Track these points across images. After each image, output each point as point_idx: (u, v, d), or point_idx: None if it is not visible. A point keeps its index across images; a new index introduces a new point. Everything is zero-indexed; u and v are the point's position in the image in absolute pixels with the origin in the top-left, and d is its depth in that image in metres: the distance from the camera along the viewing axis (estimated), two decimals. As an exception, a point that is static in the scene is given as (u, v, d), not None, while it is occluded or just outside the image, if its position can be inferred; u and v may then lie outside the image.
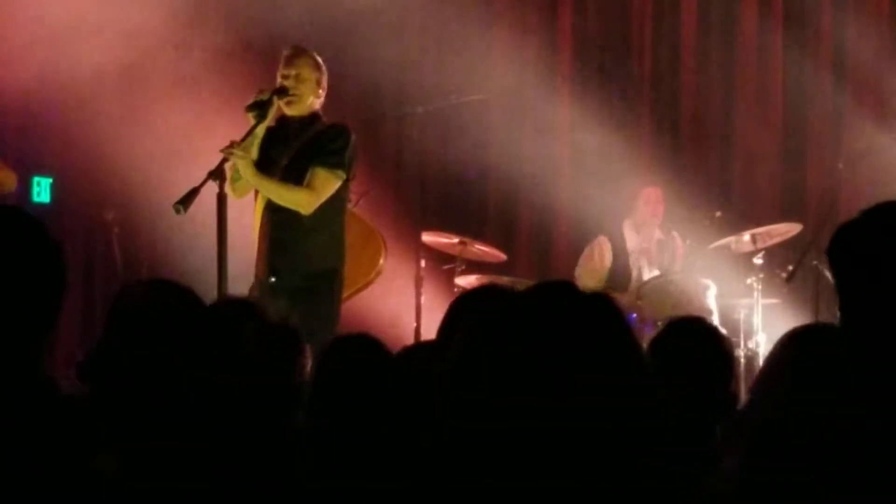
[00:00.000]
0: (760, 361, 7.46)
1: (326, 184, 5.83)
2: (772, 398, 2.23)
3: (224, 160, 5.45)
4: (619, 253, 8.14)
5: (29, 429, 1.93)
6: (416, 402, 2.61)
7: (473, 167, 8.95)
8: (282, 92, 5.82)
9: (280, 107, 5.86)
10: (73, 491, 1.93)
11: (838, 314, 2.17)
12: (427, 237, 7.64)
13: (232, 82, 7.61)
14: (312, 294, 5.76)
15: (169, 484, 2.37)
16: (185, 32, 8.08)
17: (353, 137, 5.93)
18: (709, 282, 7.63)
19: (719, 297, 7.65)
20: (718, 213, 8.15)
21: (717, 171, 9.16)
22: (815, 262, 7.24)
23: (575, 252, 8.60)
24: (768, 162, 9.15)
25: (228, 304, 3.91)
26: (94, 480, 1.97)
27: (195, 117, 7.82)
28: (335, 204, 5.91)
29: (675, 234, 8.26)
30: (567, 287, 1.60)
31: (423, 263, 7.26)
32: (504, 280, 7.43)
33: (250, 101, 5.76)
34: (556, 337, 1.52)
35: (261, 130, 5.78)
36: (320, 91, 5.93)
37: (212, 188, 5.32)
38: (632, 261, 8.11)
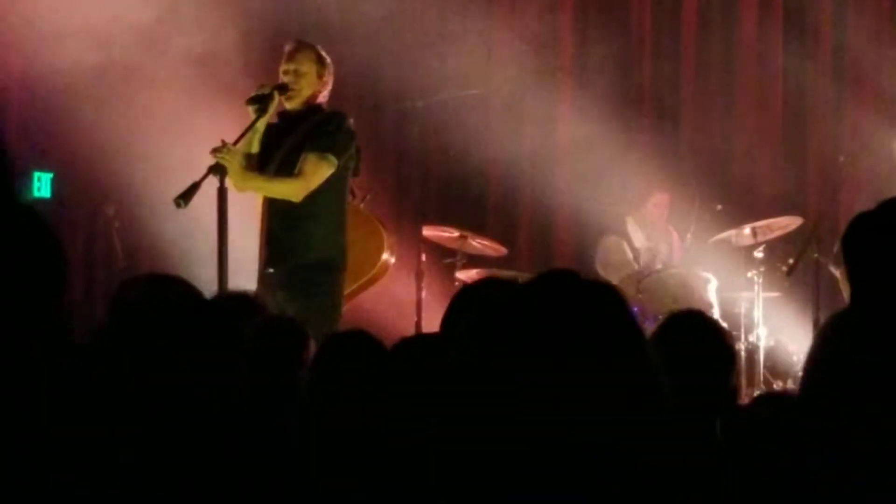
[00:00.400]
0: (761, 355, 7.47)
1: (317, 169, 5.72)
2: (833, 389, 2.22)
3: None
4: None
5: (31, 426, 1.93)
6: (411, 397, 2.60)
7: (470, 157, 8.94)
8: (282, 88, 5.80)
9: (281, 101, 5.85)
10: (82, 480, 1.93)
11: (840, 307, 2.19)
12: (428, 231, 7.64)
13: (233, 75, 7.61)
14: (309, 285, 5.69)
15: (166, 480, 2.36)
16: (187, 27, 8.06)
17: (349, 122, 5.85)
18: (709, 275, 7.63)
19: (720, 290, 7.66)
20: (719, 207, 8.16)
21: (718, 165, 9.15)
22: (815, 256, 7.23)
23: (575, 245, 8.61)
24: (769, 155, 9.15)
25: (229, 298, 3.92)
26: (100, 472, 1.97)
27: (197, 111, 7.81)
28: (332, 194, 5.81)
29: (671, 228, 8.29)
30: (571, 276, 1.60)
31: (423, 257, 7.25)
32: (505, 274, 7.42)
33: (251, 95, 5.77)
34: (560, 325, 1.53)
35: (261, 125, 5.77)
36: (322, 83, 5.88)
37: (212, 182, 5.33)
38: (642, 258, 8.13)
